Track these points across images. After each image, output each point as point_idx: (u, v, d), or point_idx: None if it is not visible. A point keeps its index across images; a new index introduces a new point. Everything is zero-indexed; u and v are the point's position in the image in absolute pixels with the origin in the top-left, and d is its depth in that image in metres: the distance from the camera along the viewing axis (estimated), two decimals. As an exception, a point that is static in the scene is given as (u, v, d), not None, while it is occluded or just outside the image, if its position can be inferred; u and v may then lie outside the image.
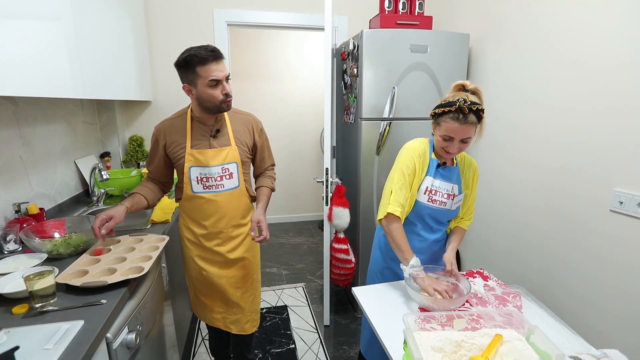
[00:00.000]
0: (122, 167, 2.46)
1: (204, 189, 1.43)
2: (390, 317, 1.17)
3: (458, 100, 1.15)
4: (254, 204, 1.57)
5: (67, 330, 0.88)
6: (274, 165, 1.66)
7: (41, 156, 1.69)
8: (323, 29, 2.56)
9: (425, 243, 1.41)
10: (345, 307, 2.50)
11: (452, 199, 1.33)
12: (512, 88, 1.86)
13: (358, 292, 1.35)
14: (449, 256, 1.32)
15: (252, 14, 2.58)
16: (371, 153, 2.14)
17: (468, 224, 1.44)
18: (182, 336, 1.94)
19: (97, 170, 1.88)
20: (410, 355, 0.91)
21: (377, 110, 2.09)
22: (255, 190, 1.60)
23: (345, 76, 2.32)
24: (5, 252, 1.30)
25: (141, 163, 2.46)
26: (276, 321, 2.33)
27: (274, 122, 3.89)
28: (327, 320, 2.30)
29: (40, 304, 0.97)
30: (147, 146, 2.54)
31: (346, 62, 2.28)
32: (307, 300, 2.58)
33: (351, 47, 2.12)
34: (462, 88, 1.23)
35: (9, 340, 0.83)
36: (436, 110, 1.23)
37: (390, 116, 2.09)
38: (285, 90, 3.96)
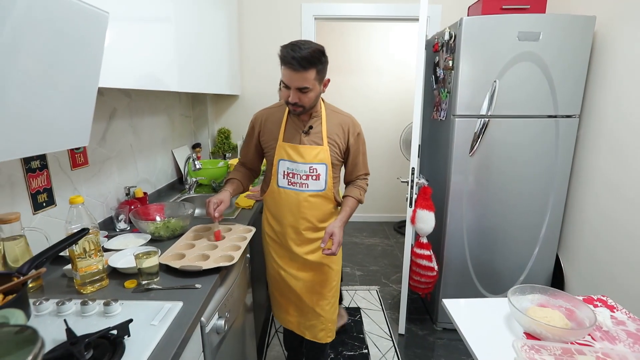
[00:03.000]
0: (210, 158, 2.64)
1: (288, 184, 1.40)
2: (488, 338, 1.05)
3: None
4: (340, 208, 1.50)
5: (169, 309, 0.94)
6: (367, 174, 1.56)
7: (146, 145, 1.89)
8: (412, 20, 2.46)
9: None
10: (422, 317, 2.37)
11: None
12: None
13: (449, 304, 1.24)
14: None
15: (340, 7, 2.57)
16: (464, 154, 1.98)
17: None
18: (258, 326, 2.02)
19: (191, 160, 2.04)
20: (524, 389, 0.80)
21: (472, 106, 1.92)
22: (342, 198, 1.52)
23: (437, 69, 2.18)
24: (117, 230, 1.47)
25: (227, 155, 2.61)
26: (349, 322, 2.30)
27: (353, 118, 3.85)
28: (402, 328, 2.21)
29: (146, 281, 1.06)
30: (234, 139, 2.69)
31: (439, 54, 2.14)
32: (382, 305, 2.51)
33: (447, 37, 1.98)
34: None
35: (123, 311, 0.92)
36: None
37: (489, 113, 1.91)
38: (366, 85, 3.90)
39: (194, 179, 2.14)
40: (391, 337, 2.19)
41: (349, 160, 1.48)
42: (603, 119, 1.82)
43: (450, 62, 1.96)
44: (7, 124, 0.67)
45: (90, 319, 0.89)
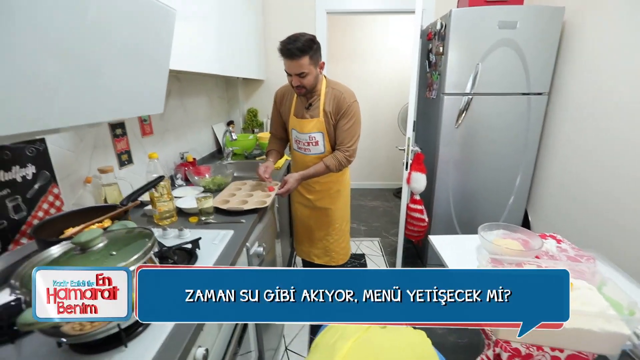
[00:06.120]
0: (242, 133, 2.79)
1: (298, 148, 1.61)
2: (463, 263, 1.20)
3: None
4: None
5: (224, 235, 1.12)
6: (348, 149, 1.49)
7: (192, 120, 2.04)
8: (410, 12, 2.48)
9: None
10: (414, 261, 2.55)
11: None
12: (615, 71, 1.57)
13: (435, 239, 1.39)
14: None
15: (349, 2, 2.60)
16: (451, 126, 2.08)
17: None
18: (284, 265, 2.23)
19: (228, 132, 2.19)
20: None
21: (459, 86, 2.00)
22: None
23: (430, 55, 2.24)
24: (176, 185, 1.65)
25: (255, 130, 2.76)
26: (355, 265, 2.50)
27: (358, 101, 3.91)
28: (398, 267, 2.39)
29: (205, 217, 1.24)
30: (261, 117, 2.83)
31: (432, 42, 2.20)
32: (382, 252, 2.69)
33: (438, 27, 2.04)
34: None
35: (191, 235, 1.09)
36: None
37: (472, 91, 1.99)
38: (368, 72, 3.93)
39: (230, 149, 2.30)
40: (389, 275, 2.38)
41: (335, 130, 1.51)
42: (569, 95, 1.88)
43: (441, 48, 2.02)
44: (105, 94, 0.79)
45: (170, 240, 1.07)
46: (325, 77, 1.53)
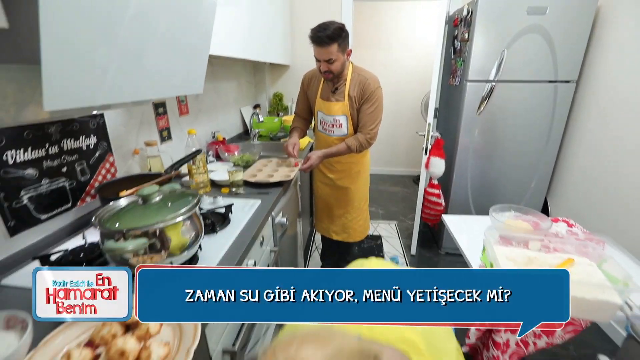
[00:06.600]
0: (267, 116, 2.91)
1: (322, 129, 1.69)
2: (474, 242, 1.25)
3: None
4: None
5: (253, 204, 1.25)
6: (370, 131, 1.58)
7: (223, 103, 2.17)
8: (439, -3, 2.46)
9: None
10: (430, 244, 2.62)
11: None
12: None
13: (448, 219, 1.46)
14: None
15: (375, -13, 2.61)
16: (472, 113, 2.10)
17: None
18: (304, 242, 2.36)
19: (255, 115, 2.32)
20: (486, 257, 1.04)
21: (483, 72, 2.00)
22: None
23: (455, 41, 2.24)
24: (208, 161, 1.80)
25: (280, 113, 2.87)
26: (372, 245, 2.61)
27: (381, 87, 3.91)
28: (413, 250, 2.47)
29: (235, 189, 1.37)
30: (286, 101, 2.93)
31: (458, 28, 2.19)
32: (398, 235, 2.77)
33: (465, 13, 2.03)
34: None
35: (224, 202, 1.23)
36: None
37: (496, 78, 1.99)
38: (392, 59, 3.91)
39: (257, 131, 2.43)
40: (404, 256, 2.47)
41: (358, 114, 1.59)
42: (601, 82, 1.84)
43: (467, 35, 2.02)
44: (149, 76, 0.90)
45: (206, 205, 1.21)
46: (352, 63, 1.60)
